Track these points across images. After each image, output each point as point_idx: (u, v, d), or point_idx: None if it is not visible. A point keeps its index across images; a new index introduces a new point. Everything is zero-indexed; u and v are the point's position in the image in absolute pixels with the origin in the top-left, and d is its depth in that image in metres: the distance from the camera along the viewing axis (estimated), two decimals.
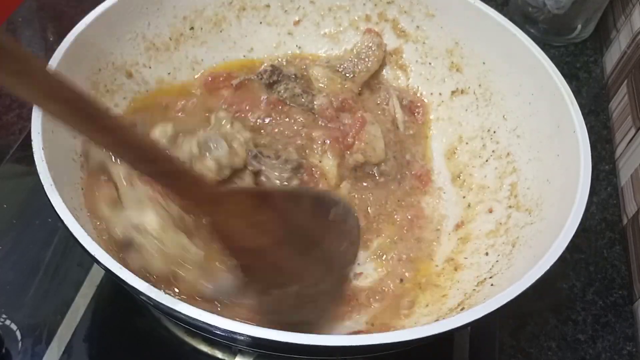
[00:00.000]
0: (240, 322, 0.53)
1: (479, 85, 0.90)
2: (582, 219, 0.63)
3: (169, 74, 0.91)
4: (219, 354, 0.75)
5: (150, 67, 0.89)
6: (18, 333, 0.76)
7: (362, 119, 0.85)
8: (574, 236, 0.62)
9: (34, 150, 0.63)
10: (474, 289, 0.70)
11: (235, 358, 0.75)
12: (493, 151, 0.87)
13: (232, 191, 0.64)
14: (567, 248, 0.61)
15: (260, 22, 0.98)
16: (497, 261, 0.73)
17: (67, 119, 0.50)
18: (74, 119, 0.50)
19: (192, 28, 0.93)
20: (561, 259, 0.60)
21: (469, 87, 0.91)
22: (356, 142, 0.83)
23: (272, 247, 0.60)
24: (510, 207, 0.79)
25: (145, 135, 0.62)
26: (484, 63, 0.89)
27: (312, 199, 0.66)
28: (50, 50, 0.71)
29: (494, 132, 0.87)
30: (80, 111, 0.49)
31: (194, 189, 0.57)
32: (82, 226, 0.58)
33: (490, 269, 0.72)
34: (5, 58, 0.44)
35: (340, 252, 0.69)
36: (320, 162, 0.81)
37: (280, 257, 0.61)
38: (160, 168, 0.54)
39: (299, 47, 0.99)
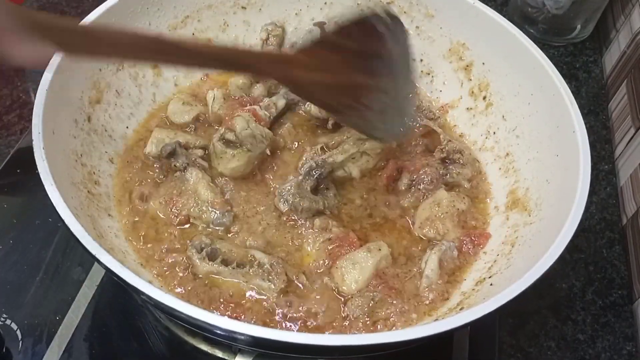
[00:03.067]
0: (240, 322, 0.53)
1: (478, 85, 0.90)
2: (581, 219, 0.63)
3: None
4: (219, 354, 0.75)
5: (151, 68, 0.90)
6: (18, 332, 0.76)
7: None
8: (573, 236, 0.62)
9: (34, 150, 0.64)
10: (473, 289, 0.70)
11: (235, 357, 0.75)
12: (492, 151, 0.87)
13: (292, 55, 0.71)
14: (567, 248, 0.61)
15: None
16: (495, 261, 0.73)
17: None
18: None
19: (193, 34, 0.93)
20: (560, 258, 0.60)
21: (468, 88, 0.91)
22: None
23: (343, 76, 0.71)
24: (509, 207, 0.79)
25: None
26: (483, 63, 0.89)
27: (355, 25, 0.72)
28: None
29: (494, 132, 0.87)
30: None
31: (271, 65, 0.69)
32: (82, 226, 0.58)
33: (489, 268, 0.72)
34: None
35: (398, 57, 0.76)
36: None
37: (351, 79, 0.71)
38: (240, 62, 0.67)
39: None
